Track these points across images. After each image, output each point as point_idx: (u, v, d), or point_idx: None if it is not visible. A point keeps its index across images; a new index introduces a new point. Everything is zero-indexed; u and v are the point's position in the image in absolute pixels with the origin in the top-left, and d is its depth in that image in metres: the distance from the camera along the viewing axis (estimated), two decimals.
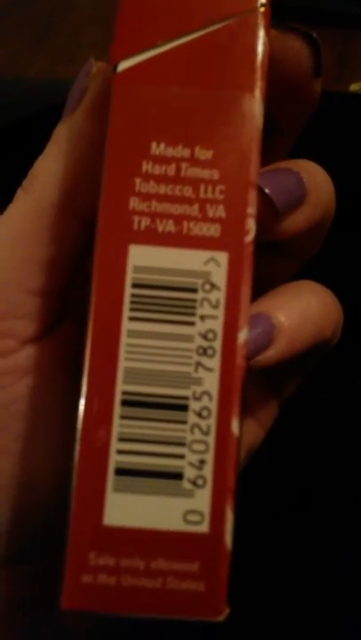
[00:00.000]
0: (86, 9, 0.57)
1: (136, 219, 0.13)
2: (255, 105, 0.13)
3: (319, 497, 0.28)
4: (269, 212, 0.15)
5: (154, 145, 0.13)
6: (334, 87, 0.46)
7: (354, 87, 0.46)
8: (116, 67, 0.13)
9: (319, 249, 0.18)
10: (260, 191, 0.15)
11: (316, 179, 0.16)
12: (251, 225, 0.13)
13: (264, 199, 0.15)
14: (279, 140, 0.18)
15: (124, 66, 0.13)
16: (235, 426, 0.12)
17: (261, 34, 0.13)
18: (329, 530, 0.28)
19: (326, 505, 0.28)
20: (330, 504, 0.28)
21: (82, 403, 0.12)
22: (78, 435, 0.12)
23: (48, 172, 0.16)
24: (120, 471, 0.12)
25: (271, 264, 0.18)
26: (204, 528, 0.12)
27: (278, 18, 0.15)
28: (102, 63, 0.16)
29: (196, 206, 0.13)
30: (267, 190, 0.15)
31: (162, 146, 0.13)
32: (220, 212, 0.13)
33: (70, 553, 0.12)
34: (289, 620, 0.27)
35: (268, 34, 0.13)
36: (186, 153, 0.13)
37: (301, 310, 0.16)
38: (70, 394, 0.16)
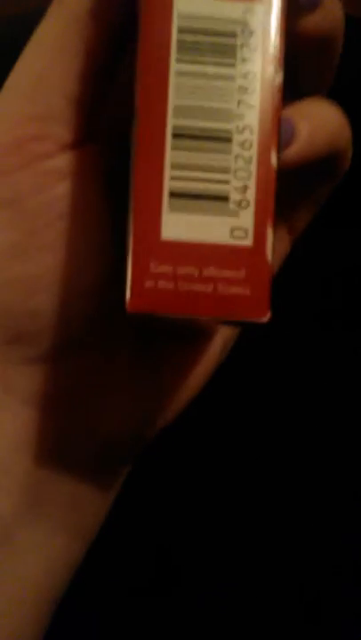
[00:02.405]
0: None
1: None
2: None
3: (316, 485, 0.30)
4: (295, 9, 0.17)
5: None
6: None
7: None
8: None
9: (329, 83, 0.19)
10: None
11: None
12: None
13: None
14: None
15: None
16: (273, 157, 0.14)
17: None
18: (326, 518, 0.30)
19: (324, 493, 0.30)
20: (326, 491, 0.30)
21: (135, 135, 0.14)
22: (133, 160, 0.14)
23: None
24: (174, 194, 0.14)
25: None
26: (248, 242, 0.14)
27: None
28: None
29: None
30: None
31: None
32: None
33: (133, 263, 0.14)
34: None
35: None
36: None
37: (319, 116, 0.18)
38: (105, 202, 0.18)
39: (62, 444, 0.19)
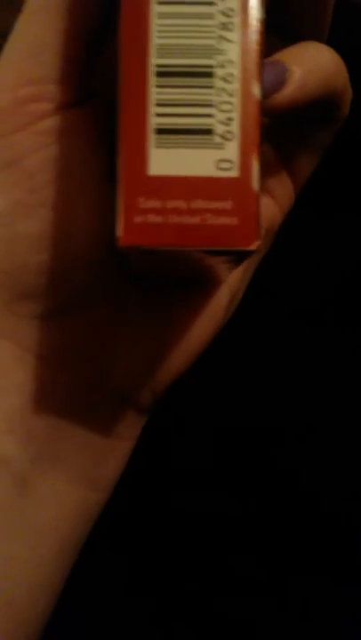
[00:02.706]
0: None
1: None
2: None
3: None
4: None
5: None
6: None
7: None
8: None
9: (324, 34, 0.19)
10: None
11: None
12: None
13: None
14: None
15: None
16: (255, 89, 0.14)
17: None
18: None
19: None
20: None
21: (120, 77, 0.14)
22: (118, 101, 0.14)
23: None
24: (159, 130, 0.14)
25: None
26: (234, 173, 0.14)
27: None
28: None
29: None
30: None
31: None
32: None
33: (122, 200, 0.14)
34: None
35: None
36: None
37: (313, 58, 0.18)
38: (101, 159, 0.18)
39: (77, 394, 0.19)
